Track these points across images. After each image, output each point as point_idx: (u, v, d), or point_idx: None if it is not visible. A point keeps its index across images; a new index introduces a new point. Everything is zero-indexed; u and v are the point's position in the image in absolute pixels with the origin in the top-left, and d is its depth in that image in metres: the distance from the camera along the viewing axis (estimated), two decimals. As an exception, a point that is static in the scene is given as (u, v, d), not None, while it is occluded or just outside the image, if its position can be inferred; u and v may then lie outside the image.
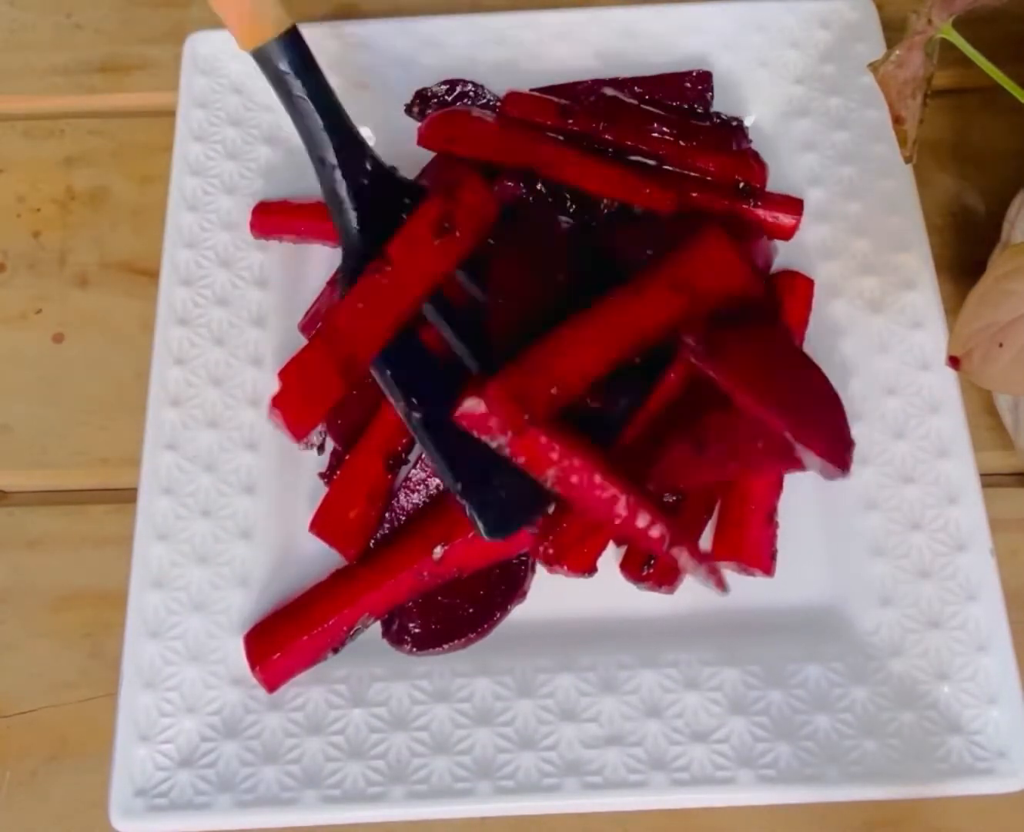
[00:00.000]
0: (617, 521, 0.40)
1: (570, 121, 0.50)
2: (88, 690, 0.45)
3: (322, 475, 0.47)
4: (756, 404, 0.41)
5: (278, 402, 0.43)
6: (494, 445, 0.40)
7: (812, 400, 0.43)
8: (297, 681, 0.43)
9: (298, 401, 0.43)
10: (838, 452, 0.42)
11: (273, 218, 0.51)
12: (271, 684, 0.43)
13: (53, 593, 0.47)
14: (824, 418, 0.43)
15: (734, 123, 0.52)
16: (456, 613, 0.44)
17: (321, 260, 0.51)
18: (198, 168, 0.52)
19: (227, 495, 0.46)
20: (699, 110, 0.52)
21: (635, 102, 0.51)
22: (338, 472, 0.45)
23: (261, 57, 0.44)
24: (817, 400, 0.43)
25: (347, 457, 0.46)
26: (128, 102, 0.58)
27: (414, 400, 0.43)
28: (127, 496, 0.47)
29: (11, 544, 0.48)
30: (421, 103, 0.52)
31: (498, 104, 0.52)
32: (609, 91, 0.51)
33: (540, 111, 0.50)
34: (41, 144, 0.57)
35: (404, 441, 0.45)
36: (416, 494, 0.45)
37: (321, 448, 0.48)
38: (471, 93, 0.52)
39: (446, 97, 0.52)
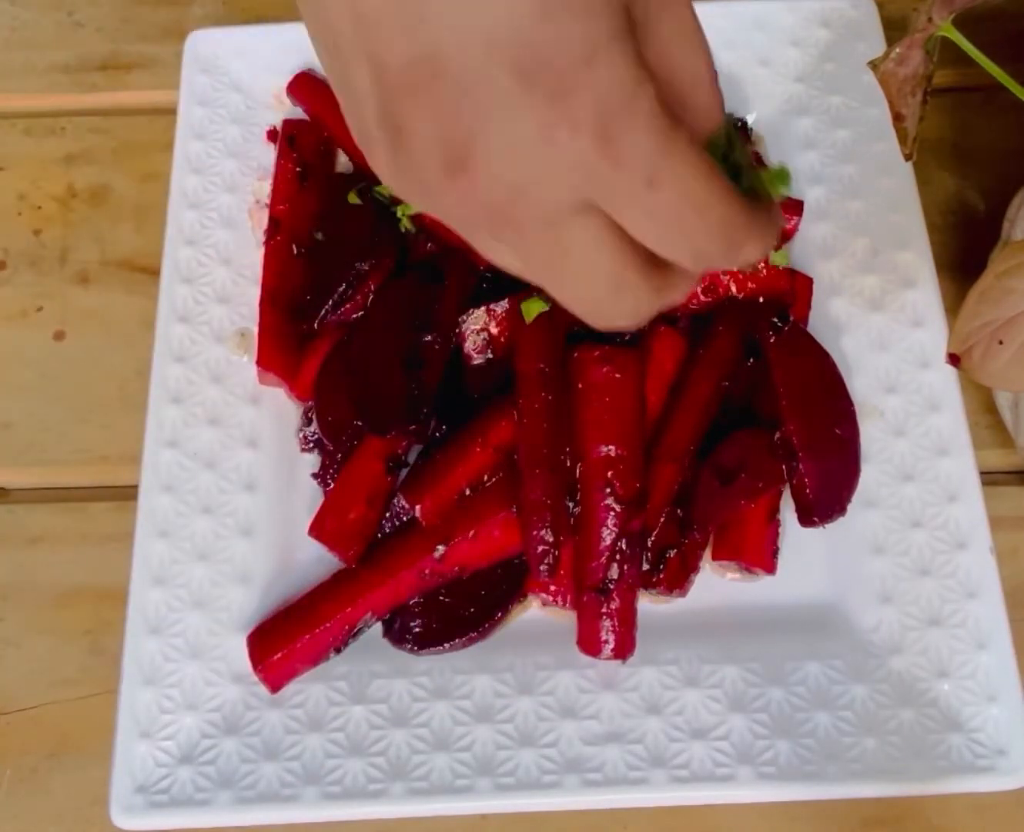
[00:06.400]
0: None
1: None
2: (89, 687, 0.45)
3: (315, 475, 0.46)
4: (787, 411, 0.43)
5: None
6: None
7: (836, 444, 0.45)
8: (297, 678, 0.43)
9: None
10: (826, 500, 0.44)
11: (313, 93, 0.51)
12: (274, 684, 0.43)
13: (54, 590, 0.47)
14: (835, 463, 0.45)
15: (738, 124, 0.52)
16: (457, 612, 0.44)
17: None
18: (199, 166, 0.52)
19: (228, 492, 0.46)
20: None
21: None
22: (338, 474, 0.45)
23: None
24: (842, 446, 0.45)
25: (348, 459, 0.45)
26: (129, 100, 0.58)
27: None
28: (128, 493, 0.47)
29: (12, 541, 0.48)
30: None
31: None
32: None
33: None
34: (42, 142, 0.57)
35: (404, 443, 0.45)
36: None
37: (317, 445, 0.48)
38: None
39: None
